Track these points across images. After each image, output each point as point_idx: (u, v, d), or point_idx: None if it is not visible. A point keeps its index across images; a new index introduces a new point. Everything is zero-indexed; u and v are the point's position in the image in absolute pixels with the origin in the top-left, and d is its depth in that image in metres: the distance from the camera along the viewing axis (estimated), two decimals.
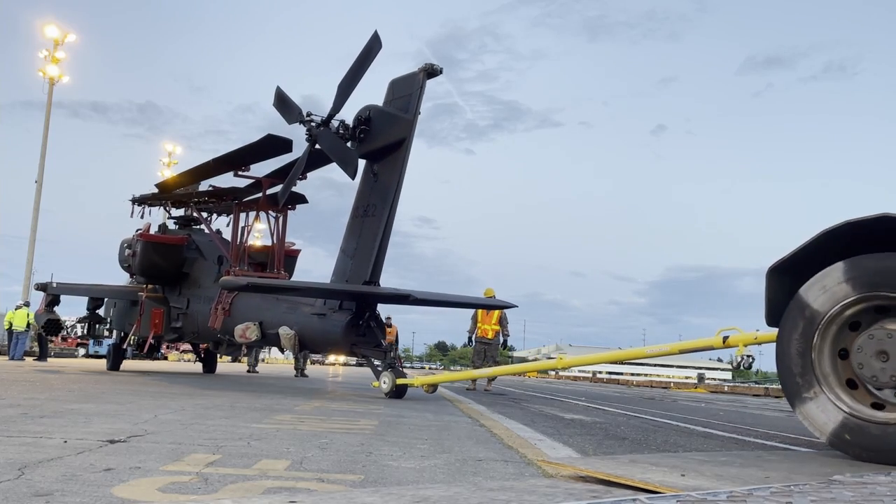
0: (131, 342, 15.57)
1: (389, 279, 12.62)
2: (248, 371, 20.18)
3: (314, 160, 11.40)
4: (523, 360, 73.20)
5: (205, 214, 14.44)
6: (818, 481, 2.69)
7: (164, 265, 14.02)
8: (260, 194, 12.61)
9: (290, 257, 14.21)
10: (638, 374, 59.38)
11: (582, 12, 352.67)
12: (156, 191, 13.88)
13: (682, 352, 6.93)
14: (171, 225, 15.66)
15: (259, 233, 16.31)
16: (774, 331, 4.29)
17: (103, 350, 28.28)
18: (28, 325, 21.92)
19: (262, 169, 12.64)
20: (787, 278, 4.11)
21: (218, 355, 17.54)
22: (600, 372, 51.70)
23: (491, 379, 14.16)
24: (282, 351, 12.30)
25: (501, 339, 15.05)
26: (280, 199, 11.94)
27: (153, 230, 14.74)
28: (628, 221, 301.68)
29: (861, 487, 2.53)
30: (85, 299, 16.26)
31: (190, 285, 13.91)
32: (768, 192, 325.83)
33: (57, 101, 53.40)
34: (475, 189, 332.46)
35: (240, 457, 3.38)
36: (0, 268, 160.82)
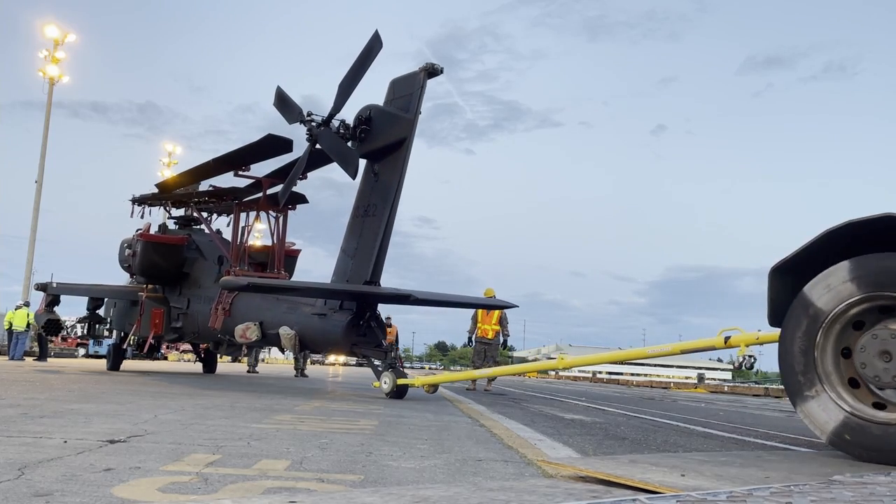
0: (131, 342, 15.57)
1: (390, 279, 12.62)
2: (248, 371, 20.16)
3: (315, 160, 11.40)
4: (523, 360, 73.19)
5: (205, 214, 14.44)
6: (818, 481, 2.69)
7: (164, 265, 14.02)
8: (260, 194, 12.60)
9: (291, 257, 14.21)
10: (638, 375, 59.35)
11: (582, 12, 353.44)
12: (156, 191, 13.88)
13: (683, 352, 6.91)
14: (171, 225, 15.65)
15: (259, 233, 16.33)
16: (776, 331, 4.29)
17: (103, 350, 28.27)
18: (28, 325, 21.92)
19: (262, 169, 12.65)
20: (789, 278, 4.11)
21: (218, 355, 17.54)
22: (600, 372, 51.64)
23: (491, 379, 14.16)
24: (282, 351, 12.30)
25: (501, 340, 15.06)
26: (280, 199, 11.93)
27: (153, 230, 14.74)
28: (628, 221, 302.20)
29: (861, 487, 2.52)
30: (85, 299, 16.26)
31: (190, 285, 13.91)
32: (768, 192, 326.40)
33: (57, 101, 53.49)
34: (475, 189, 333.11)
35: (240, 457, 3.38)
36: (0, 268, 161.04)
